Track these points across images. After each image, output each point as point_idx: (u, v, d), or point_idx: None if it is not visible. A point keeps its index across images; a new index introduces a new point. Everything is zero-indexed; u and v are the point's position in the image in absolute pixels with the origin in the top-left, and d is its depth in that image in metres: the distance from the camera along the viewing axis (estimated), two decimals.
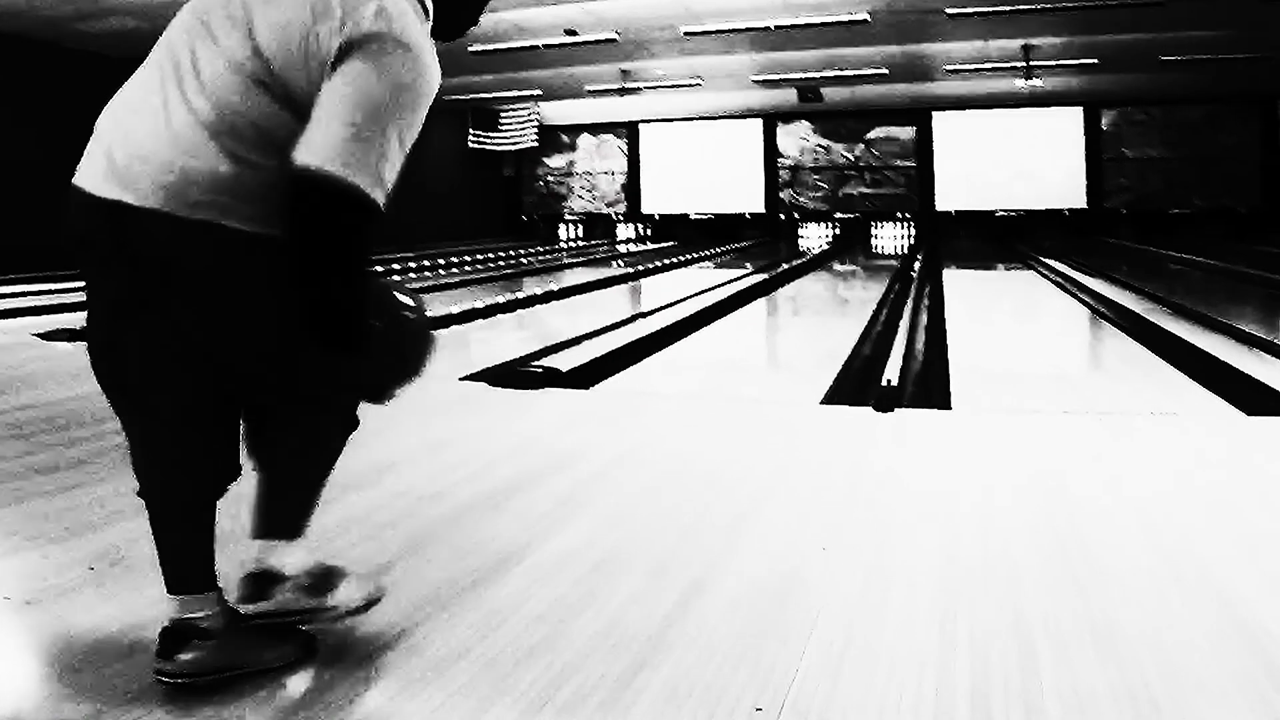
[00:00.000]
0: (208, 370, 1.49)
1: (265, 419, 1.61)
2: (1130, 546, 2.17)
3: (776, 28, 10.79)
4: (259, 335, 1.47)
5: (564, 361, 4.77)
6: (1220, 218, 17.50)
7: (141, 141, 1.40)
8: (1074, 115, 18.51)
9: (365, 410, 1.69)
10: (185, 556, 1.53)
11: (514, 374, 4.31)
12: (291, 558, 1.61)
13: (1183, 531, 2.25)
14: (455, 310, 7.21)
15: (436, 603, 1.88)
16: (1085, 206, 18.58)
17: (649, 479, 2.77)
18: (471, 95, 17.74)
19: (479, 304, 7.79)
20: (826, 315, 8.04)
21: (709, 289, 9.06)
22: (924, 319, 6.77)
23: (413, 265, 12.17)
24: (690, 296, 8.30)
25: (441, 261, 13.01)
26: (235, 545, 1.69)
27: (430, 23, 1.59)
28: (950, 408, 3.69)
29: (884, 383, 3.93)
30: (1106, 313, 7.39)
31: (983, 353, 5.35)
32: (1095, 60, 13.32)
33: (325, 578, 1.63)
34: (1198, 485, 2.65)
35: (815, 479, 2.76)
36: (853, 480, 2.74)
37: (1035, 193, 18.81)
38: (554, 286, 9.77)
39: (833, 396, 3.96)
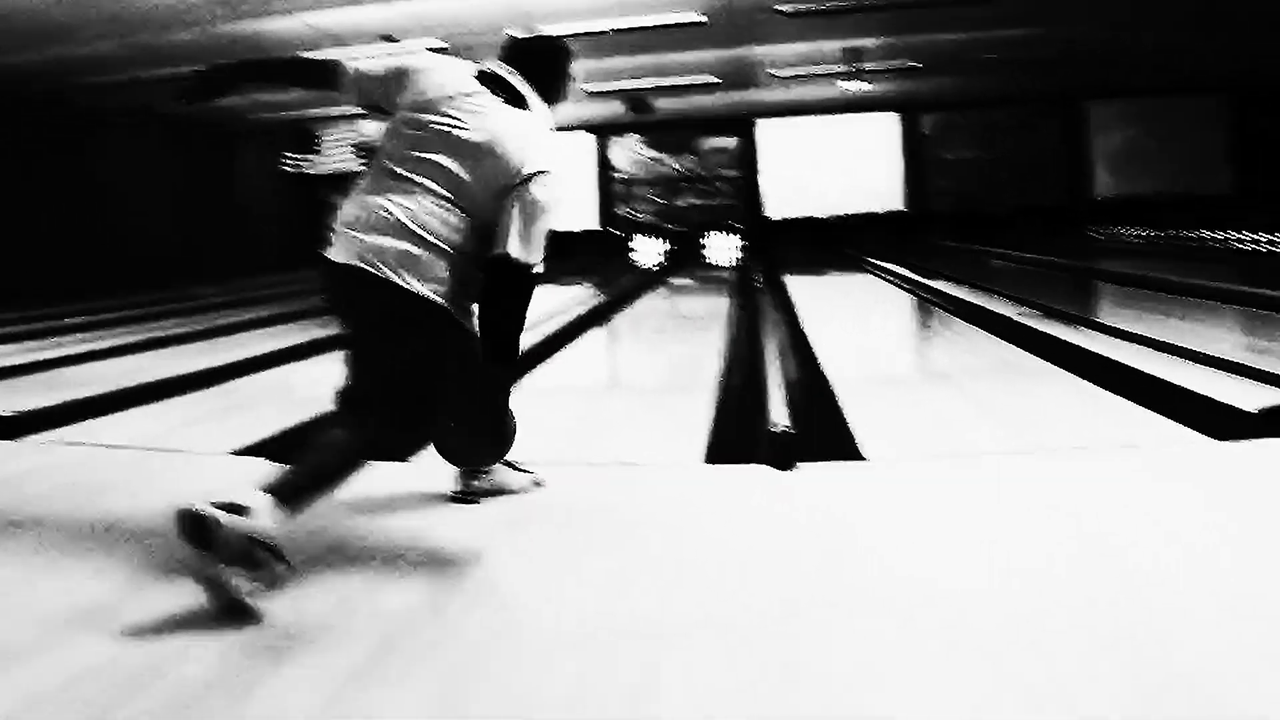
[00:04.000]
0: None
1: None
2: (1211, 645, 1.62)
3: (615, 31, 10.20)
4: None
5: None
6: (1032, 215, 18.26)
7: None
8: (891, 120, 18.95)
9: None
10: None
11: None
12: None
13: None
14: (273, 348, 6.23)
15: None
16: (905, 209, 19.04)
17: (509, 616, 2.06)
18: (284, 113, 16.35)
19: (300, 341, 6.74)
20: (679, 336, 7.52)
21: (551, 317, 8.37)
22: (785, 336, 6.32)
23: (218, 302, 10.86)
24: (533, 325, 7.58)
25: (253, 295, 11.72)
26: None
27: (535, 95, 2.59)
28: (863, 457, 3.11)
29: (774, 429, 3.34)
30: (958, 312, 7.26)
31: (862, 374, 4.91)
32: (919, 64, 13.47)
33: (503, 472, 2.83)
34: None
35: (738, 602, 2.12)
36: (806, 586, 2.11)
37: (857, 198, 19.11)
38: None
39: (716, 450, 3.32)
